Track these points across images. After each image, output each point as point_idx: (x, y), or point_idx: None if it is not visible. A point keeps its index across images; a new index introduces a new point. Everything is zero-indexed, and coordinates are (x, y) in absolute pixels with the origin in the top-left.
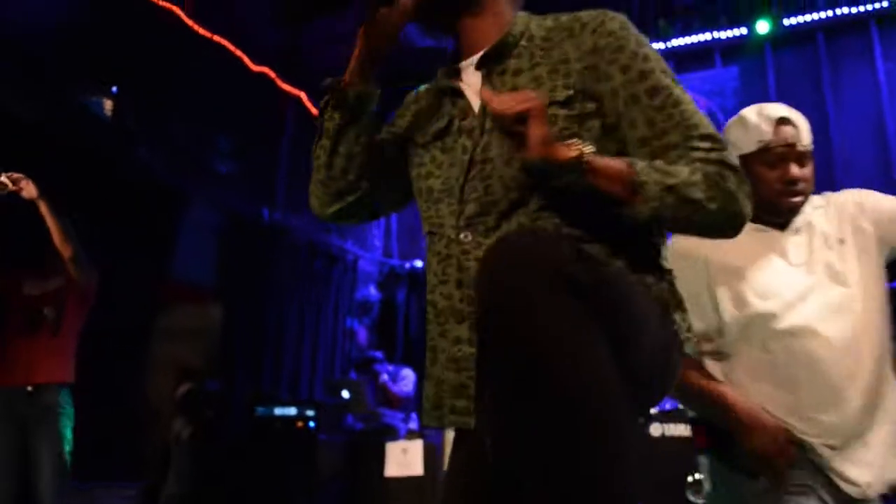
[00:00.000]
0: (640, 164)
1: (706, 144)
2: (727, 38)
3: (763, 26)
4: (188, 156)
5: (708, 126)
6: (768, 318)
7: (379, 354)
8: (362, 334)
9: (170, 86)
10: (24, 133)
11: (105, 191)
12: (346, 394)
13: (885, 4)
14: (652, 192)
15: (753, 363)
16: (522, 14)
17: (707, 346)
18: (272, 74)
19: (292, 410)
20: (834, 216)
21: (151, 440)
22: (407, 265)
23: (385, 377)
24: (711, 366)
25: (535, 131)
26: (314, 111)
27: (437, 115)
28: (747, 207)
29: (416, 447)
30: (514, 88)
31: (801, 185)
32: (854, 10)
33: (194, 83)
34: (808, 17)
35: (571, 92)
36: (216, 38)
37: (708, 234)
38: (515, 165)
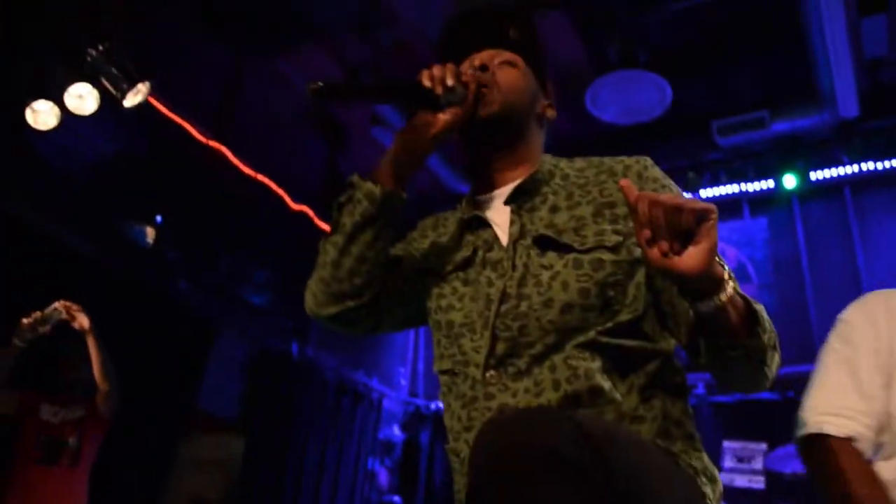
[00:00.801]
0: (748, 297)
1: None
2: (755, 190)
3: (790, 180)
4: (224, 287)
5: None
6: None
7: (398, 500)
8: (383, 476)
9: (212, 218)
10: (65, 255)
11: (138, 316)
12: None
13: None
14: (766, 324)
15: None
16: (546, 155)
17: (869, 436)
18: (311, 213)
19: None
20: None
21: None
22: (432, 406)
23: None
24: (883, 467)
25: (714, 236)
26: None
27: (458, 245)
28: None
29: None
30: (551, 225)
31: None
32: (880, 165)
33: (236, 217)
34: (834, 172)
35: (621, 238)
36: (260, 177)
37: (753, 388)
38: (556, 308)
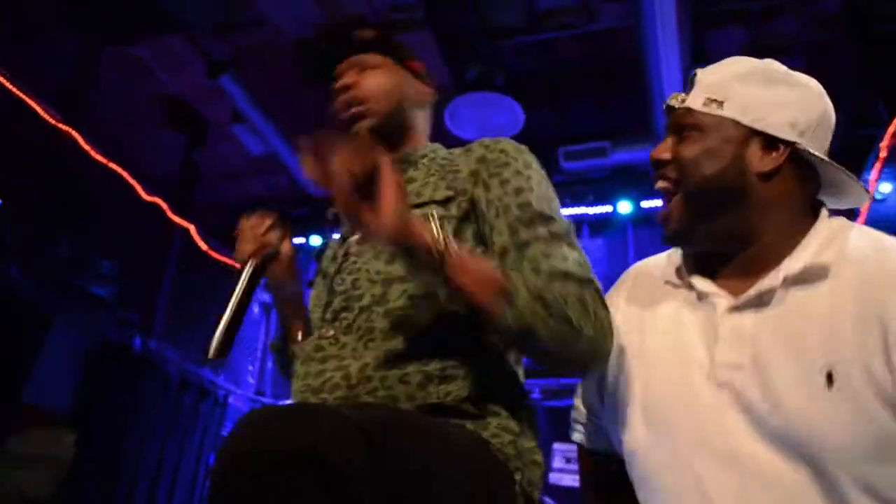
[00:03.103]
0: (512, 272)
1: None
2: (594, 213)
3: (625, 206)
4: (62, 275)
5: (572, 264)
6: (638, 459)
7: None
8: None
9: (56, 204)
10: None
11: None
12: None
13: None
14: (522, 301)
15: None
16: (435, 144)
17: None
18: (163, 205)
19: None
20: (848, 296)
21: None
22: (279, 404)
23: None
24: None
25: (389, 188)
26: (202, 245)
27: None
28: (610, 343)
29: None
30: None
31: (664, 170)
32: None
33: (82, 204)
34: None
35: (451, 193)
36: (112, 165)
37: (572, 367)
38: (382, 259)
